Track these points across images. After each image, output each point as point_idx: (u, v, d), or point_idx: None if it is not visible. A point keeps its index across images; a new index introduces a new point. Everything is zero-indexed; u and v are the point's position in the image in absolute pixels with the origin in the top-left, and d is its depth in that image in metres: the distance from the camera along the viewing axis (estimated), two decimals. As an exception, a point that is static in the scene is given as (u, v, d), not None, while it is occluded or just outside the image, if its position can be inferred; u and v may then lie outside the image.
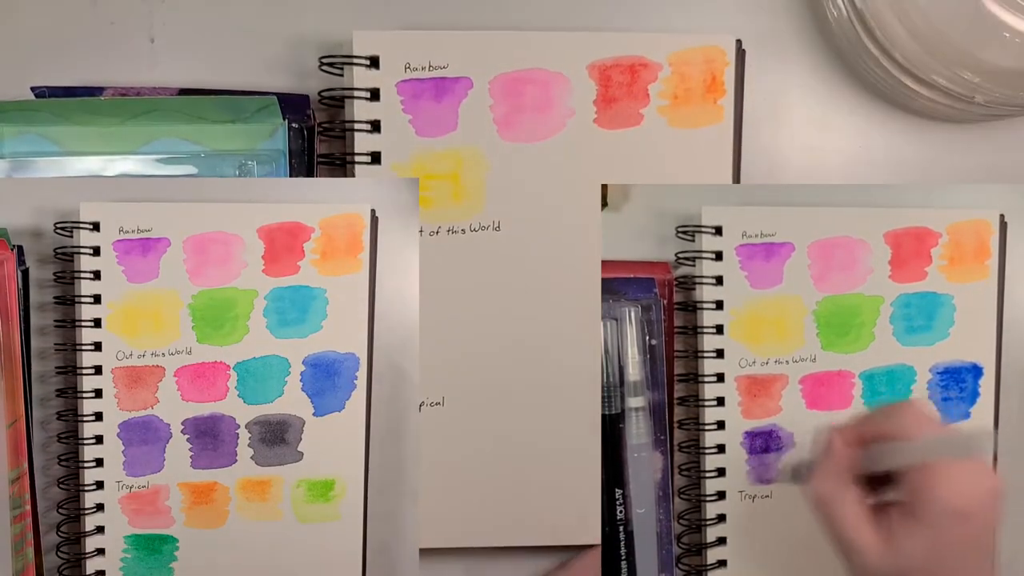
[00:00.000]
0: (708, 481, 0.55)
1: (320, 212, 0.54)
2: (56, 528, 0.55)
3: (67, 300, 0.54)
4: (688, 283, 0.55)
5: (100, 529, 0.55)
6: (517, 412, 0.55)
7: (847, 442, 0.45)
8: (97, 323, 0.54)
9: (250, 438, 0.55)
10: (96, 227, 0.53)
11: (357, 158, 0.53)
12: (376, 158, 0.53)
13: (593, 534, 0.55)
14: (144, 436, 0.55)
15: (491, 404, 0.55)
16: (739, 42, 0.54)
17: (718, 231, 0.55)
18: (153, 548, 0.55)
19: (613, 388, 0.55)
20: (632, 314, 0.54)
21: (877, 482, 0.44)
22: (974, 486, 0.41)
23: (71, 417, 0.54)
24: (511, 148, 0.54)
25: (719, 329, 0.55)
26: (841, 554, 0.44)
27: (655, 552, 0.55)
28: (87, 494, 0.54)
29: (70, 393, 0.54)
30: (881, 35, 0.52)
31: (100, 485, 0.54)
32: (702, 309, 0.55)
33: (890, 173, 0.57)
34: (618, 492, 0.55)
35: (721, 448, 0.55)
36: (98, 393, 0.54)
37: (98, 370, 0.54)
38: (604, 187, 0.54)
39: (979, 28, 0.51)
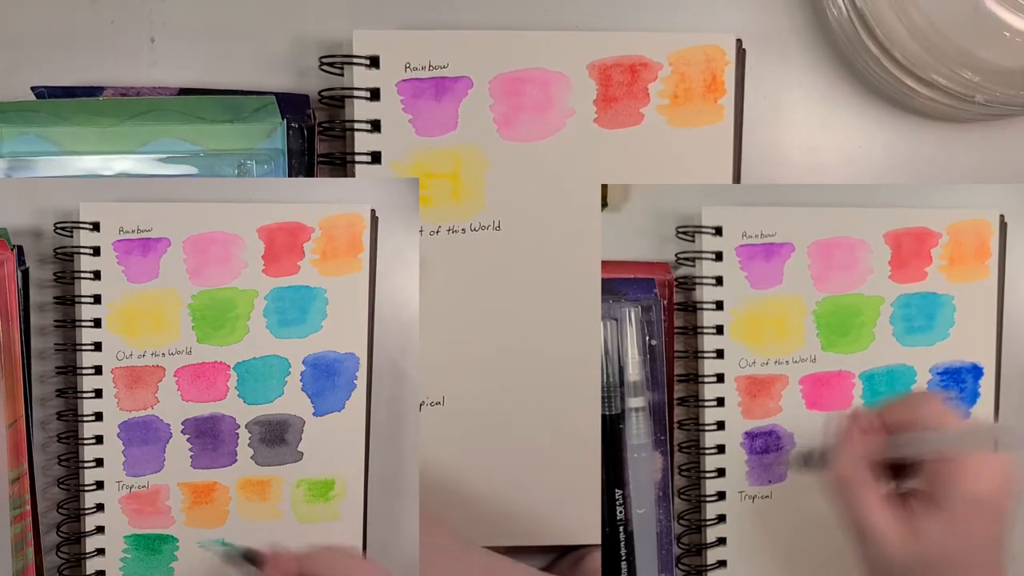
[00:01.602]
0: (708, 481, 0.55)
1: (320, 212, 0.54)
2: (56, 528, 0.55)
3: (67, 300, 0.54)
4: (688, 283, 0.55)
5: (100, 529, 0.55)
6: (517, 412, 0.55)
7: (867, 429, 0.44)
8: (97, 323, 0.54)
9: (250, 438, 0.55)
10: (96, 227, 0.53)
11: (357, 158, 0.53)
12: (376, 158, 0.53)
13: (593, 534, 0.55)
14: (144, 436, 0.54)
15: (491, 404, 0.55)
16: (739, 41, 0.54)
17: (718, 231, 0.55)
18: (153, 548, 0.55)
19: (613, 388, 0.55)
20: (632, 314, 0.54)
21: (895, 471, 0.44)
22: (996, 477, 0.41)
23: (71, 417, 0.54)
24: (511, 148, 0.54)
25: (719, 329, 0.55)
26: (858, 541, 0.43)
27: (655, 552, 0.55)
28: (87, 494, 0.54)
29: (70, 393, 0.54)
30: (881, 34, 0.52)
31: (100, 485, 0.54)
32: (702, 309, 0.55)
33: (890, 173, 0.57)
34: (618, 492, 0.55)
35: (721, 448, 0.55)
36: (98, 393, 0.54)
37: (98, 370, 0.54)
38: (604, 187, 0.54)
39: (979, 27, 0.51)
